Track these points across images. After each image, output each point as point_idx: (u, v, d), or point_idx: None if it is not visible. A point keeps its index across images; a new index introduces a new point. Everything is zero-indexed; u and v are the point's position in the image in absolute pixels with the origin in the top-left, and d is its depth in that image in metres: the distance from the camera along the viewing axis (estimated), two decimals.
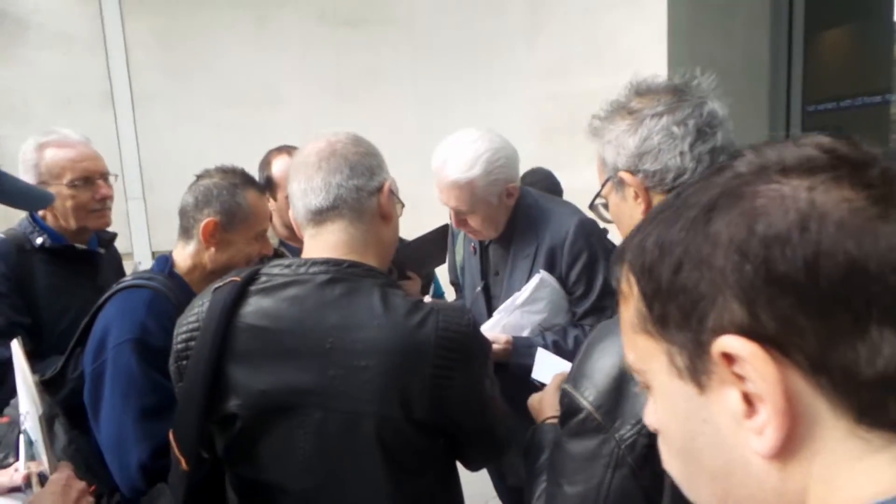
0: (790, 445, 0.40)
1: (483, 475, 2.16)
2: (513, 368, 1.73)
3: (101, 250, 1.97)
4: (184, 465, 1.10)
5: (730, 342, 0.40)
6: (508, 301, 1.81)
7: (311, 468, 1.08)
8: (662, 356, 0.46)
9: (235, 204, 1.49)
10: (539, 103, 3.54)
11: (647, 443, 0.79)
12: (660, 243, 0.45)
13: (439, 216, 2.29)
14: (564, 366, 1.56)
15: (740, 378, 0.41)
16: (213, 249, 1.50)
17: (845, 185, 0.40)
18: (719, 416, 0.43)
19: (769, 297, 0.39)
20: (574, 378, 0.90)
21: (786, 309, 0.39)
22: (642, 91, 1.02)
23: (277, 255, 1.67)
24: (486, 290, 1.98)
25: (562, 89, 3.41)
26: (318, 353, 1.05)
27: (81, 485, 1.07)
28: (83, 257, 1.88)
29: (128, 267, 2.20)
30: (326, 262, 1.10)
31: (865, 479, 0.39)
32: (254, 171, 1.85)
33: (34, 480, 1.17)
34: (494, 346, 1.67)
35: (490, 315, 1.89)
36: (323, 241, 1.14)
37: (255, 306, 1.09)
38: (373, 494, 1.10)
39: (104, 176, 1.90)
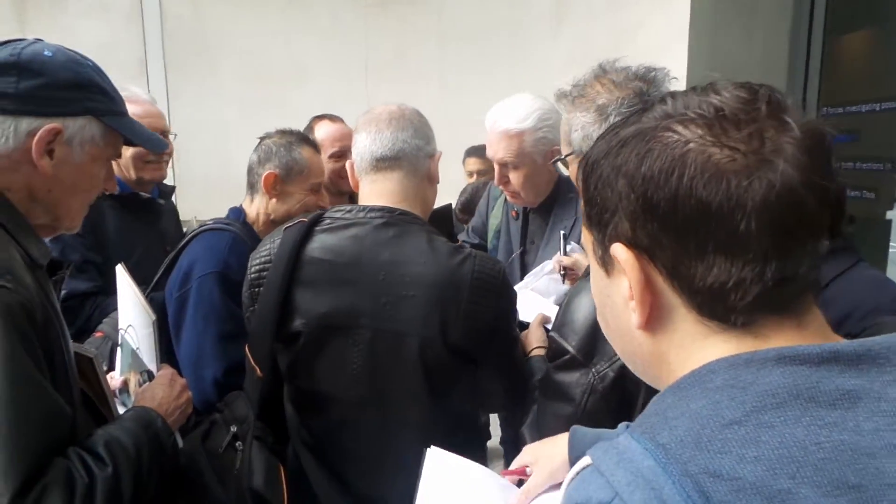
0: (655, 323, 0.57)
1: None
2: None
3: (162, 201, 2.17)
4: (258, 372, 1.27)
5: (616, 249, 0.56)
6: (538, 267, 1.94)
7: (360, 381, 1.28)
8: (591, 245, 0.62)
9: (292, 159, 1.72)
10: None
11: (615, 375, 1.04)
12: (591, 161, 0.60)
13: (452, 199, 2.38)
14: (546, 305, 1.71)
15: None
16: (274, 200, 1.72)
17: (717, 144, 0.51)
18: (616, 295, 0.60)
19: (644, 220, 0.54)
20: (559, 327, 1.15)
21: (654, 230, 0.53)
22: (605, 83, 1.23)
23: None
24: (523, 255, 2.10)
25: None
26: (372, 283, 1.24)
27: (183, 380, 1.25)
28: (146, 205, 2.06)
29: None
30: (382, 208, 1.30)
31: (709, 350, 0.54)
32: None
33: (131, 386, 1.33)
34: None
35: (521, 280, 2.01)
36: (380, 188, 1.32)
37: (320, 243, 1.28)
38: (411, 405, 1.30)
39: (164, 133, 2.08)
